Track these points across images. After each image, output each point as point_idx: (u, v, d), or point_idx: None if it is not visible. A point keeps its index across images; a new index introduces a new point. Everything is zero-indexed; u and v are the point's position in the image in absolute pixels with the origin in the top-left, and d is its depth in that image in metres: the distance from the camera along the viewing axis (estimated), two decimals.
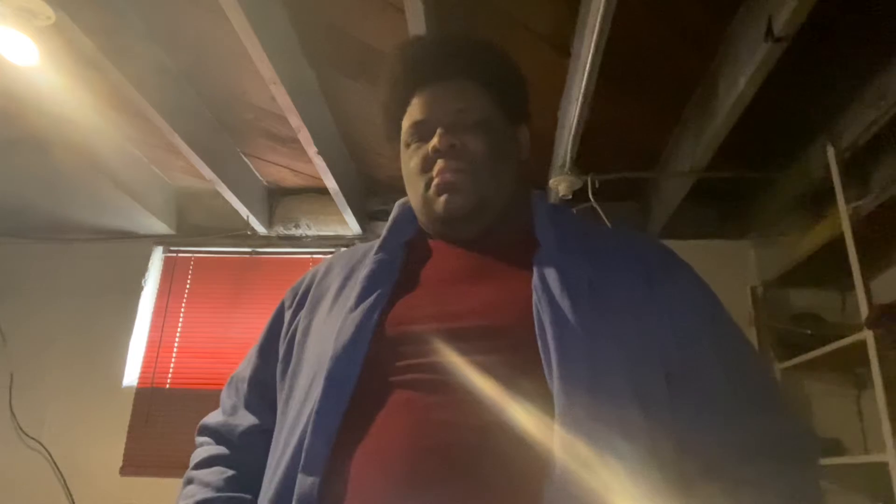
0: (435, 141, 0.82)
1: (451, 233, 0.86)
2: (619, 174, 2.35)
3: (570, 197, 2.30)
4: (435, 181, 0.83)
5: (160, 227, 2.85)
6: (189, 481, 0.83)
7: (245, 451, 0.84)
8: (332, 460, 0.67)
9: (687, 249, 3.24)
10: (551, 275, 0.73)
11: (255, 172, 2.77)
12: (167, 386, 2.75)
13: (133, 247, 2.94)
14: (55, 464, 2.57)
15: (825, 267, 2.26)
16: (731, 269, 2.71)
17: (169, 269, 2.97)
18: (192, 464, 0.86)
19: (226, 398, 0.92)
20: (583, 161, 2.18)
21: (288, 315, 0.90)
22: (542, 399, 0.64)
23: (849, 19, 1.62)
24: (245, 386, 0.90)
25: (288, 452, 0.70)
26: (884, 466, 1.77)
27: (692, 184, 2.32)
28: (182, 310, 2.88)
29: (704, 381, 0.71)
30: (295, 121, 2.04)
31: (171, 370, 2.77)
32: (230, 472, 0.82)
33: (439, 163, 0.83)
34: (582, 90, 1.72)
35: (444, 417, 0.66)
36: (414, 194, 0.88)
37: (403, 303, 0.78)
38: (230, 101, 2.21)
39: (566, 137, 2.04)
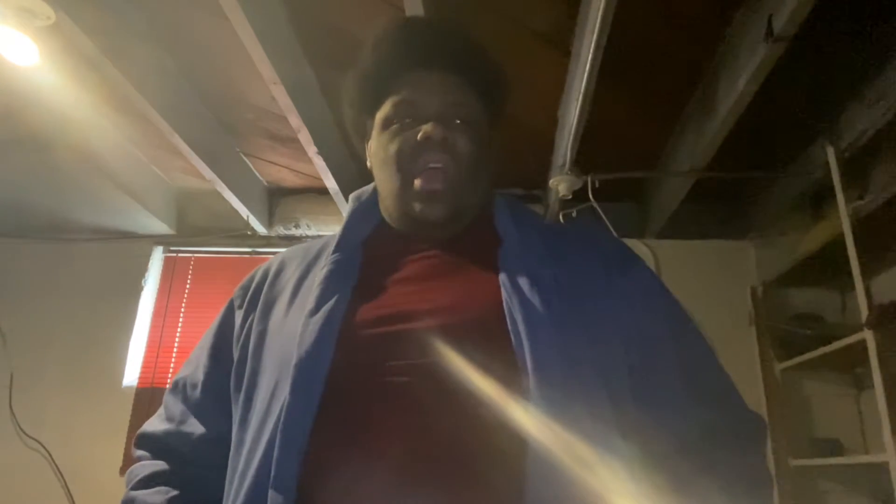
0: (429, 129, 0.77)
1: (422, 232, 0.83)
2: (619, 174, 2.35)
3: (570, 197, 2.30)
4: (419, 182, 0.78)
5: (160, 227, 2.85)
6: (130, 501, 0.77)
7: (198, 464, 0.79)
8: (305, 472, 0.64)
9: (687, 249, 3.25)
10: (519, 271, 0.74)
11: (255, 172, 2.77)
12: (167, 386, 2.74)
13: (133, 247, 2.94)
14: (55, 464, 2.57)
15: (825, 267, 2.26)
16: (731, 269, 2.71)
17: (169, 269, 2.97)
18: (131, 480, 0.79)
19: (172, 404, 0.85)
20: (583, 161, 2.17)
21: (239, 316, 0.85)
22: (517, 389, 0.65)
23: (849, 19, 1.62)
24: (197, 391, 0.83)
25: (253, 466, 0.67)
26: (884, 466, 1.77)
27: (692, 184, 2.32)
28: (182, 310, 2.88)
29: (665, 373, 0.74)
30: (295, 121, 2.04)
31: (171, 370, 2.77)
32: (174, 493, 0.76)
33: (427, 154, 0.78)
34: (582, 90, 1.72)
35: (422, 421, 0.65)
36: (389, 181, 0.82)
37: (368, 304, 0.75)
38: (230, 101, 2.21)
39: (566, 137, 2.04)
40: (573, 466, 0.62)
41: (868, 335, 1.85)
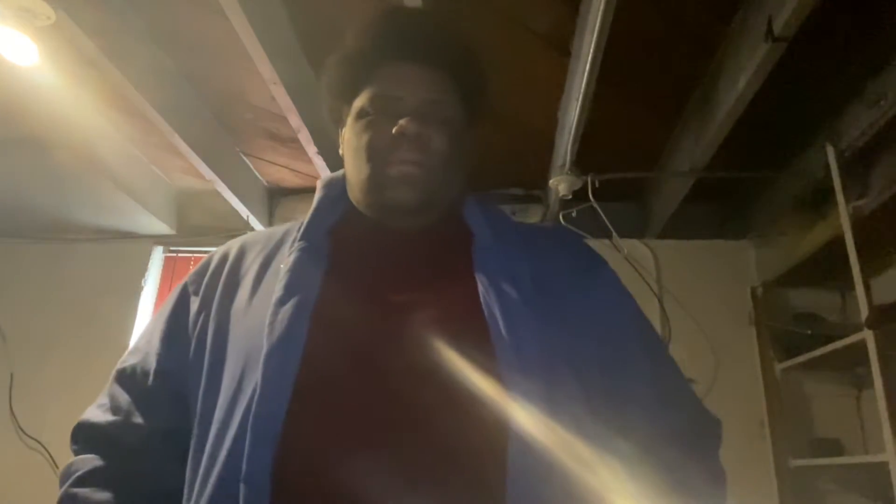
0: (405, 124, 0.77)
1: (392, 221, 0.82)
2: (619, 174, 2.35)
3: (570, 197, 2.31)
4: (394, 169, 0.78)
5: (160, 227, 2.85)
6: (71, 499, 0.73)
7: (151, 458, 0.76)
8: (278, 465, 0.62)
9: (687, 249, 3.25)
10: (495, 265, 0.76)
11: (255, 172, 2.77)
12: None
13: (133, 247, 2.94)
14: (55, 464, 2.57)
15: (825, 267, 2.26)
16: (731, 269, 2.71)
17: (169, 269, 2.97)
18: (69, 476, 0.75)
19: (118, 394, 0.80)
20: (583, 161, 2.18)
21: (196, 303, 0.81)
22: (496, 378, 0.66)
23: (849, 19, 1.62)
24: (149, 380, 0.79)
25: (220, 459, 0.65)
26: (884, 466, 1.77)
27: (692, 184, 2.32)
28: None
29: (631, 374, 0.76)
30: (295, 121, 2.04)
31: None
32: (121, 488, 0.72)
33: (401, 149, 0.77)
34: (582, 90, 1.72)
35: (400, 412, 0.65)
36: (360, 171, 0.81)
37: (339, 293, 0.74)
38: (230, 101, 2.21)
39: (566, 137, 2.04)
40: (556, 455, 0.63)
41: (868, 335, 1.85)
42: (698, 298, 2.68)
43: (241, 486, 0.61)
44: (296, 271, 0.74)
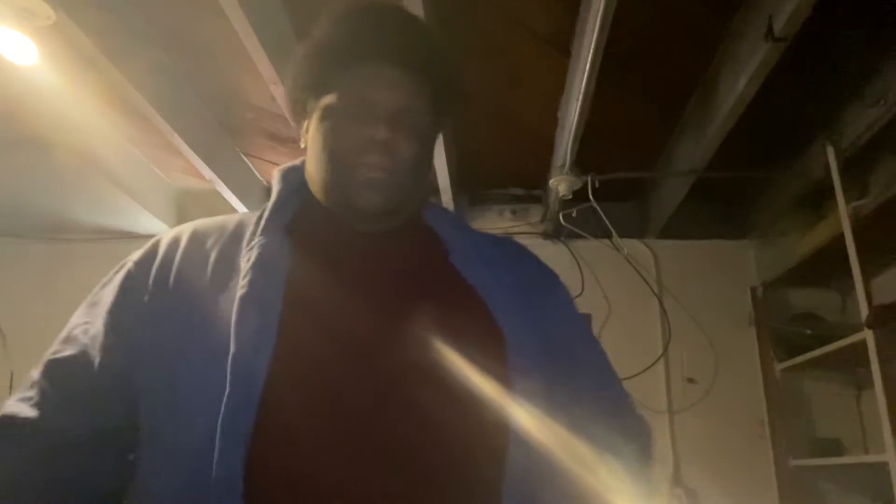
0: (375, 131, 0.75)
1: (356, 224, 0.81)
2: (619, 174, 2.35)
3: (570, 197, 2.31)
4: (366, 174, 0.76)
5: (160, 227, 2.85)
6: None
7: (78, 459, 0.70)
8: (250, 468, 0.61)
9: (687, 249, 3.25)
10: (480, 269, 0.78)
11: (255, 172, 2.76)
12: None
13: (133, 247, 2.87)
14: None
15: (825, 267, 2.26)
16: (731, 269, 2.71)
17: None
18: None
19: (49, 386, 0.72)
20: (583, 161, 2.18)
21: (145, 293, 0.75)
22: (501, 378, 0.69)
23: (849, 19, 1.62)
24: (90, 373, 0.72)
25: (185, 462, 0.63)
26: (884, 466, 1.77)
27: (692, 184, 2.32)
28: None
29: (580, 381, 0.80)
30: None
31: None
32: (49, 489, 0.67)
33: (371, 154, 0.76)
34: (582, 90, 1.72)
35: (377, 414, 0.65)
36: (325, 171, 0.79)
37: (309, 293, 0.72)
38: (230, 101, 2.21)
39: (566, 137, 2.04)
40: (556, 455, 0.67)
41: (868, 335, 1.85)
42: (698, 298, 2.68)
43: (215, 490, 0.60)
44: (259, 268, 0.71)
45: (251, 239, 0.76)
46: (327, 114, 0.79)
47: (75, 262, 2.90)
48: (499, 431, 0.66)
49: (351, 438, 0.64)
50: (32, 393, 0.72)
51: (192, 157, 2.25)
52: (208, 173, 2.37)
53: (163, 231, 0.85)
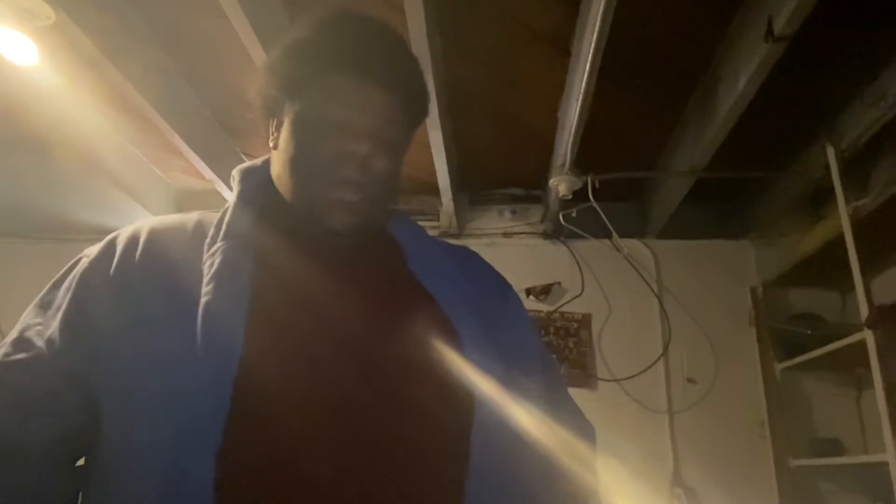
0: (354, 146, 0.75)
1: (326, 238, 0.79)
2: (619, 174, 2.35)
3: (570, 197, 2.31)
4: (338, 194, 0.75)
5: None
6: None
7: (31, 467, 0.68)
8: (220, 475, 0.60)
9: (687, 249, 3.25)
10: (441, 280, 0.81)
11: None
12: None
13: None
14: None
15: (825, 267, 2.26)
16: (731, 269, 2.71)
17: None
18: None
19: (2, 388, 0.70)
20: (583, 161, 2.18)
21: (104, 293, 0.73)
22: (463, 385, 0.72)
23: (849, 19, 1.62)
24: (45, 379, 0.70)
25: (151, 471, 0.61)
26: (884, 466, 1.77)
27: (692, 184, 2.32)
28: None
29: (533, 386, 0.81)
30: None
31: None
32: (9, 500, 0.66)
33: (344, 169, 0.75)
34: (582, 90, 1.72)
35: (346, 425, 0.66)
36: (294, 181, 0.78)
37: (274, 302, 0.71)
38: (230, 101, 2.21)
39: (566, 137, 2.04)
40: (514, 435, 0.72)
41: (868, 335, 1.85)
42: (698, 298, 2.68)
43: (182, 491, 0.59)
44: (222, 274, 0.70)
45: (212, 243, 0.74)
46: (304, 121, 0.78)
47: None
48: (458, 440, 0.69)
49: (319, 440, 0.65)
50: None
51: (192, 157, 2.25)
52: (208, 173, 2.37)
53: None
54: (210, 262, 0.71)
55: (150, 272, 0.73)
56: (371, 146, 0.76)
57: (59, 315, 0.73)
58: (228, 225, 0.75)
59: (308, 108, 0.78)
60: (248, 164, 0.88)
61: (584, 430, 0.87)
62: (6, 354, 0.72)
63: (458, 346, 0.74)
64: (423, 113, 0.88)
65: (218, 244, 0.73)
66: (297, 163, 0.77)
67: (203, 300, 0.67)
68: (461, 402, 0.71)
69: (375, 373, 0.70)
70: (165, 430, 0.62)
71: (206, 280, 0.69)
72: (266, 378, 0.65)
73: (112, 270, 0.74)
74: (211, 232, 0.75)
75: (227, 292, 0.68)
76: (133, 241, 0.78)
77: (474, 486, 0.68)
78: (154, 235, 0.78)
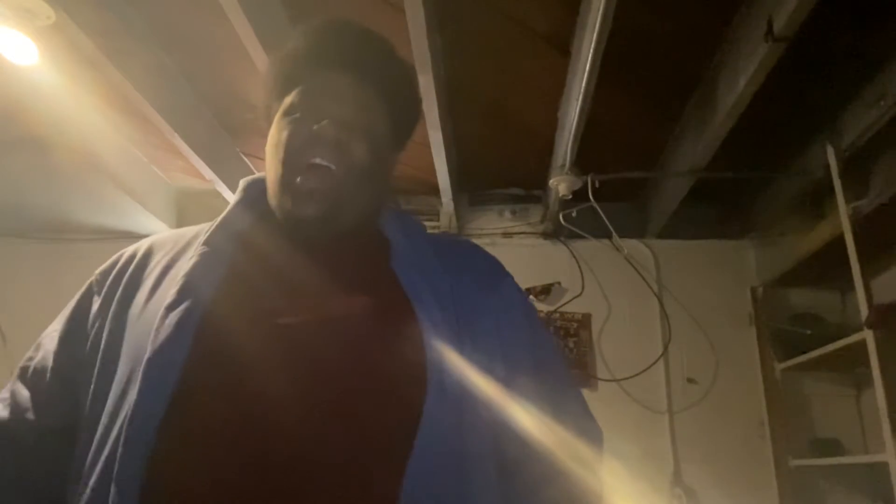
0: (325, 124, 0.76)
1: (297, 232, 0.80)
2: (619, 174, 2.35)
3: (570, 197, 2.31)
4: (299, 179, 0.76)
5: (160, 227, 2.85)
6: None
7: (40, 457, 0.75)
8: (150, 471, 0.62)
9: (687, 249, 3.25)
10: (417, 279, 0.78)
11: (256, 172, 2.76)
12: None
13: None
14: None
15: (825, 267, 2.26)
16: (731, 269, 2.71)
17: None
18: None
19: (19, 389, 0.79)
20: (583, 161, 2.18)
21: (97, 302, 0.80)
22: (406, 396, 0.69)
23: (849, 19, 1.62)
24: (46, 379, 0.78)
25: (99, 463, 0.65)
26: (884, 466, 1.77)
27: (692, 184, 2.33)
28: None
29: (524, 383, 0.79)
30: None
31: None
32: (6, 490, 0.73)
33: (317, 149, 0.76)
34: (582, 90, 1.72)
35: (282, 427, 0.65)
36: (272, 169, 0.80)
37: (231, 303, 0.72)
38: (230, 101, 2.21)
39: (566, 137, 2.04)
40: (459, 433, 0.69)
41: (868, 335, 1.85)
42: (698, 298, 2.68)
43: (112, 490, 0.62)
44: (192, 276, 0.72)
45: (196, 247, 0.77)
46: (284, 112, 0.81)
47: (75, 263, 2.90)
48: (397, 452, 0.66)
49: (261, 437, 0.64)
50: (6, 394, 0.80)
51: (192, 157, 2.25)
52: (208, 173, 2.37)
53: (162, 231, 0.86)
54: (185, 267, 0.74)
55: (134, 283, 0.78)
56: (344, 132, 0.77)
57: (62, 321, 0.83)
58: (213, 231, 0.79)
59: (287, 104, 0.81)
60: (253, 176, 0.90)
61: (588, 432, 0.83)
62: (28, 358, 0.83)
63: (418, 333, 0.72)
64: (411, 105, 0.88)
65: (198, 248, 0.77)
66: (275, 151, 0.80)
67: (165, 302, 0.70)
68: (408, 394, 0.69)
69: (323, 368, 0.70)
70: (112, 428, 0.66)
71: (174, 283, 0.73)
72: (203, 384, 0.66)
73: (108, 283, 0.81)
74: (201, 237, 0.79)
75: (189, 294, 0.71)
76: (132, 255, 0.84)
77: (411, 484, 0.64)
78: (150, 249, 0.84)
